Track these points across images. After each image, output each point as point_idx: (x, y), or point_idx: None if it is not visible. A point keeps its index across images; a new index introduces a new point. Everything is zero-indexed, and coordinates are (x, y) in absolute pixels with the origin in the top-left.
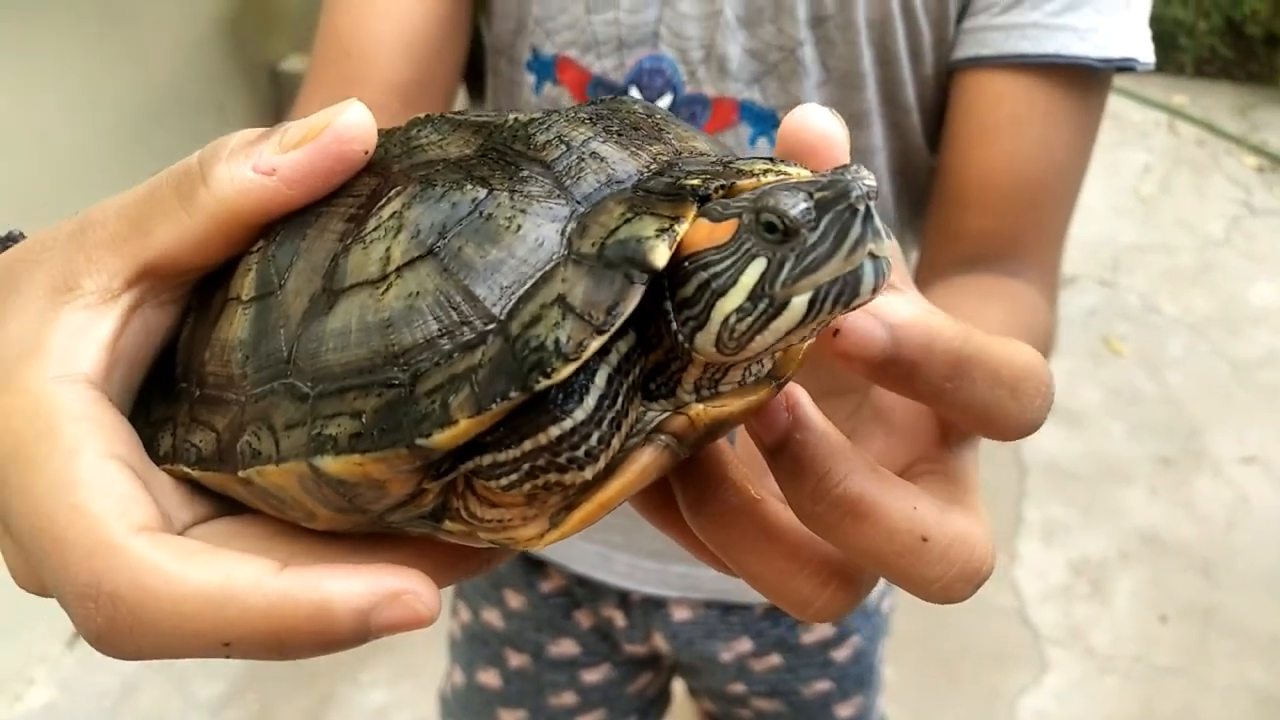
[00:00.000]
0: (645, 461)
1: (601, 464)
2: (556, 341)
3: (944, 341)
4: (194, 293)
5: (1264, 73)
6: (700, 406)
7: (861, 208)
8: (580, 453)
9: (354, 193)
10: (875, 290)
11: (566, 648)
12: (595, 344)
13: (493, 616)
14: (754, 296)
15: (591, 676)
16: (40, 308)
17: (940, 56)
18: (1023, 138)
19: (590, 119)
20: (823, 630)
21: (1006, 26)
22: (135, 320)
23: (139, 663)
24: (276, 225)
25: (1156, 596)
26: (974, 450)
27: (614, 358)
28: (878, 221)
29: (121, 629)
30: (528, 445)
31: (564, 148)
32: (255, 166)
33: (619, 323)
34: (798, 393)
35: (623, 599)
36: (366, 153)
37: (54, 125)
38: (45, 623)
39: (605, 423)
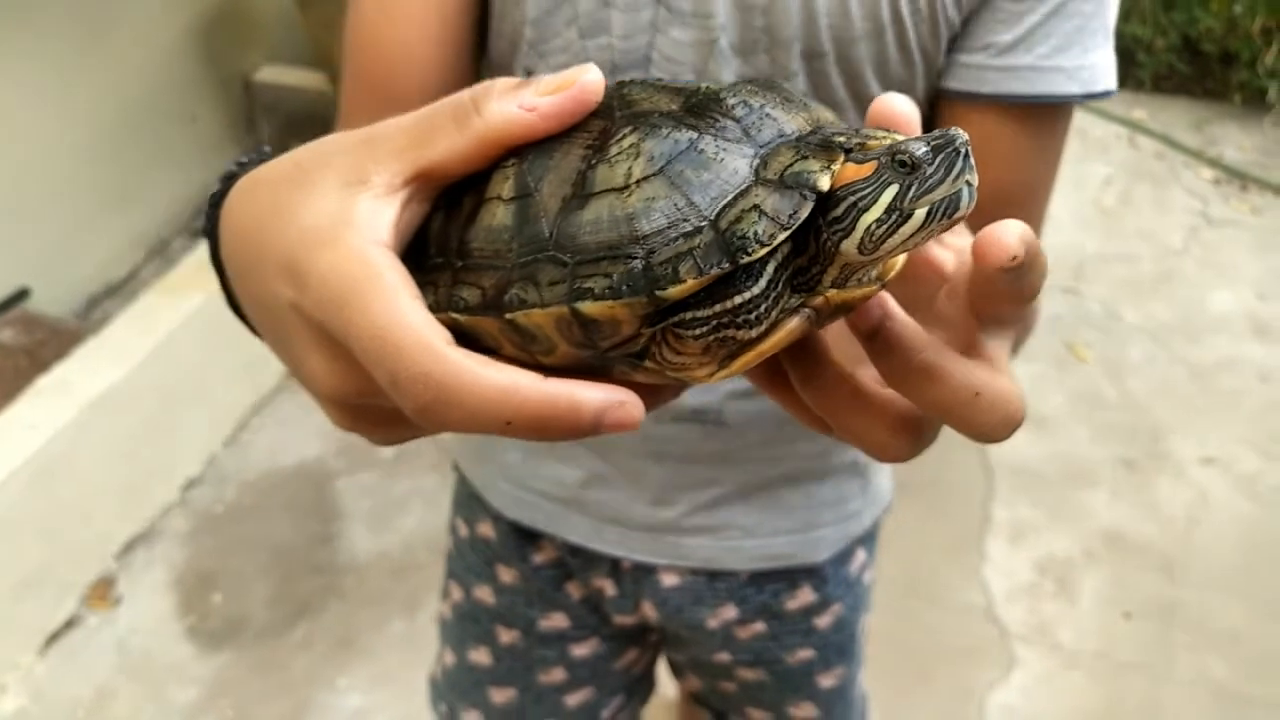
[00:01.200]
0: (792, 326)
1: (764, 327)
2: (755, 233)
3: (1032, 239)
4: (442, 195)
5: (1220, 89)
6: (834, 291)
7: (963, 150)
8: (751, 317)
9: (587, 130)
10: (970, 206)
11: (557, 621)
12: (782, 236)
13: (484, 593)
14: (889, 210)
15: (580, 651)
16: (338, 194)
17: (929, 85)
18: (1012, 168)
19: (762, 90)
20: (805, 597)
21: (1003, 68)
22: (407, 211)
23: (111, 670)
24: (524, 149)
25: (1120, 594)
26: (1006, 345)
27: (779, 255)
28: (972, 160)
29: (439, 405)
30: (717, 308)
31: (747, 109)
32: (520, 104)
33: (797, 224)
34: (887, 296)
35: (614, 567)
36: (597, 102)
37: (25, 136)
38: (17, 631)
39: (769, 299)
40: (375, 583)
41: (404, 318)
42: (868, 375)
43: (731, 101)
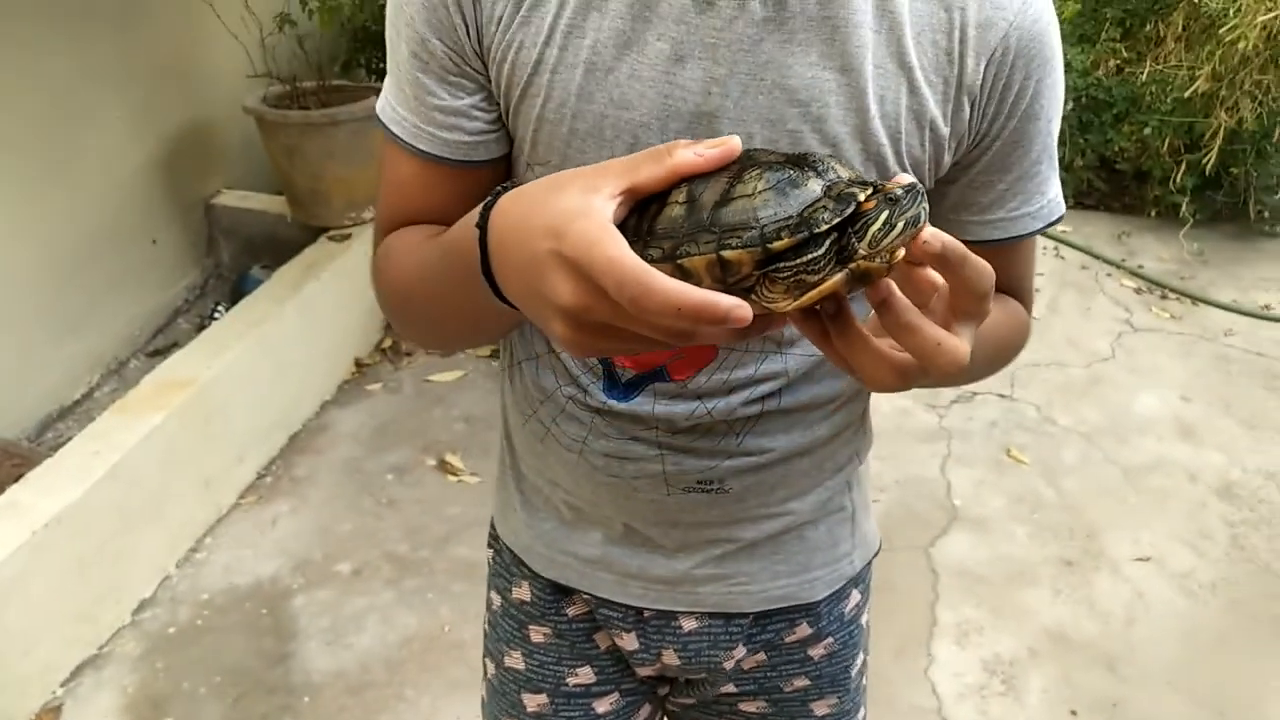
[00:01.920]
0: (837, 278)
1: (820, 277)
2: (822, 218)
3: (956, 247)
4: (633, 205)
5: (1136, 204)
6: (863, 261)
7: (920, 190)
8: (815, 269)
9: (729, 170)
10: (925, 221)
11: (584, 677)
12: (835, 220)
13: (515, 659)
14: (884, 224)
15: (602, 707)
16: (582, 195)
17: None
18: (1002, 281)
19: (828, 157)
20: (801, 631)
21: (982, 222)
22: (620, 209)
23: None
24: (692, 179)
25: (1066, 692)
26: (970, 329)
27: (831, 236)
28: (924, 193)
29: (644, 297)
30: (796, 261)
31: (821, 163)
32: (696, 152)
33: (844, 217)
34: (890, 283)
35: (638, 616)
36: (737, 155)
37: None
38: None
39: (824, 261)
40: (331, 701)
41: (626, 252)
42: (875, 332)
43: (813, 159)
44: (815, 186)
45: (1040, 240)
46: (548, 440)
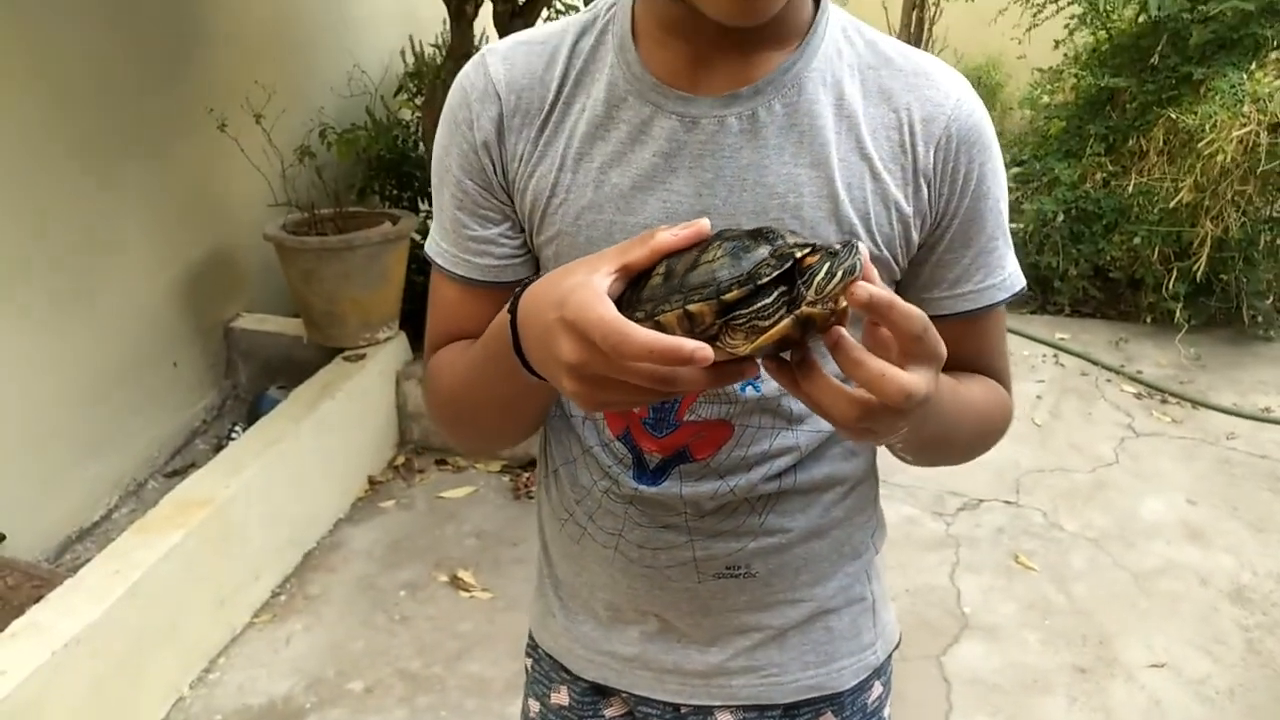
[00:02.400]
0: (786, 323)
1: (773, 322)
2: (766, 271)
3: (883, 294)
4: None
5: (1132, 311)
6: (808, 307)
7: (856, 245)
8: (766, 315)
9: (699, 246)
10: (859, 271)
11: None
12: (774, 274)
13: None
14: (827, 274)
15: None
16: (584, 274)
17: None
18: (977, 354)
19: (786, 228)
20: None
21: (952, 296)
22: (615, 284)
23: None
24: (670, 255)
25: None
26: (922, 369)
27: (780, 288)
28: (860, 247)
29: (625, 345)
30: (749, 310)
31: (773, 233)
32: (673, 234)
33: (785, 267)
34: (839, 329)
35: (675, 712)
36: (707, 235)
37: (7, 387)
38: None
39: (774, 308)
40: None
41: (611, 312)
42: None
43: (767, 230)
44: (764, 250)
45: (1040, 348)
46: (584, 540)
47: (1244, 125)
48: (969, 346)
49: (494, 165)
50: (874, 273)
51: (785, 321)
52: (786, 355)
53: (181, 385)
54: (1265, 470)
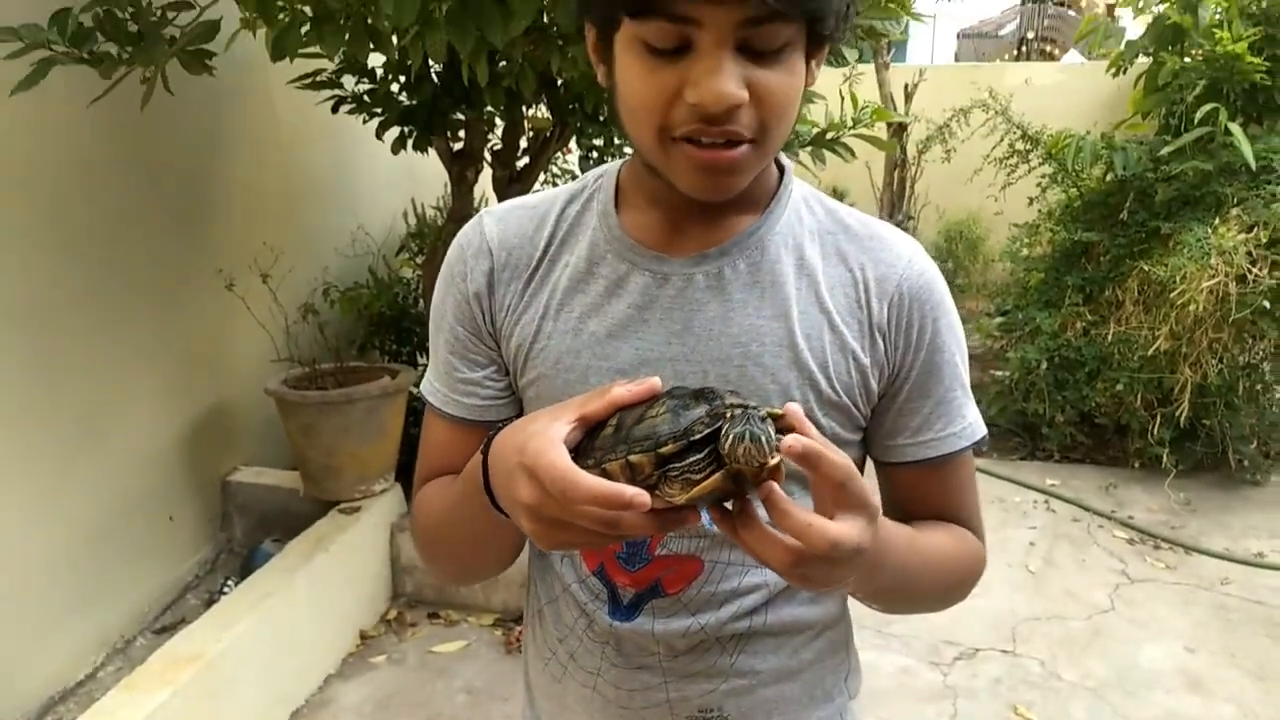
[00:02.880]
0: (718, 476)
1: (703, 476)
2: (696, 429)
3: (813, 446)
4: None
5: (1120, 456)
6: (736, 464)
7: (761, 410)
8: (699, 469)
9: (648, 402)
10: (771, 437)
11: None
12: (705, 431)
13: None
14: (735, 438)
15: None
16: (546, 421)
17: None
18: (943, 501)
19: (727, 390)
20: None
21: (916, 443)
22: (573, 433)
23: None
24: (623, 409)
25: None
26: (850, 519)
27: (710, 444)
28: (765, 413)
29: (573, 491)
30: (682, 464)
31: (714, 393)
32: (628, 390)
33: (713, 429)
34: (771, 483)
35: None
36: (658, 392)
37: (7, 537)
38: None
39: (705, 463)
40: None
41: (562, 459)
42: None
43: (710, 391)
44: (701, 409)
45: (1031, 494)
46: (565, 679)
47: (1212, 277)
48: (935, 493)
49: (484, 314)
50: (809, 427)
51: (715, 476)
52: (730, 504)
53: (176, 539)
54: (1262, 616)
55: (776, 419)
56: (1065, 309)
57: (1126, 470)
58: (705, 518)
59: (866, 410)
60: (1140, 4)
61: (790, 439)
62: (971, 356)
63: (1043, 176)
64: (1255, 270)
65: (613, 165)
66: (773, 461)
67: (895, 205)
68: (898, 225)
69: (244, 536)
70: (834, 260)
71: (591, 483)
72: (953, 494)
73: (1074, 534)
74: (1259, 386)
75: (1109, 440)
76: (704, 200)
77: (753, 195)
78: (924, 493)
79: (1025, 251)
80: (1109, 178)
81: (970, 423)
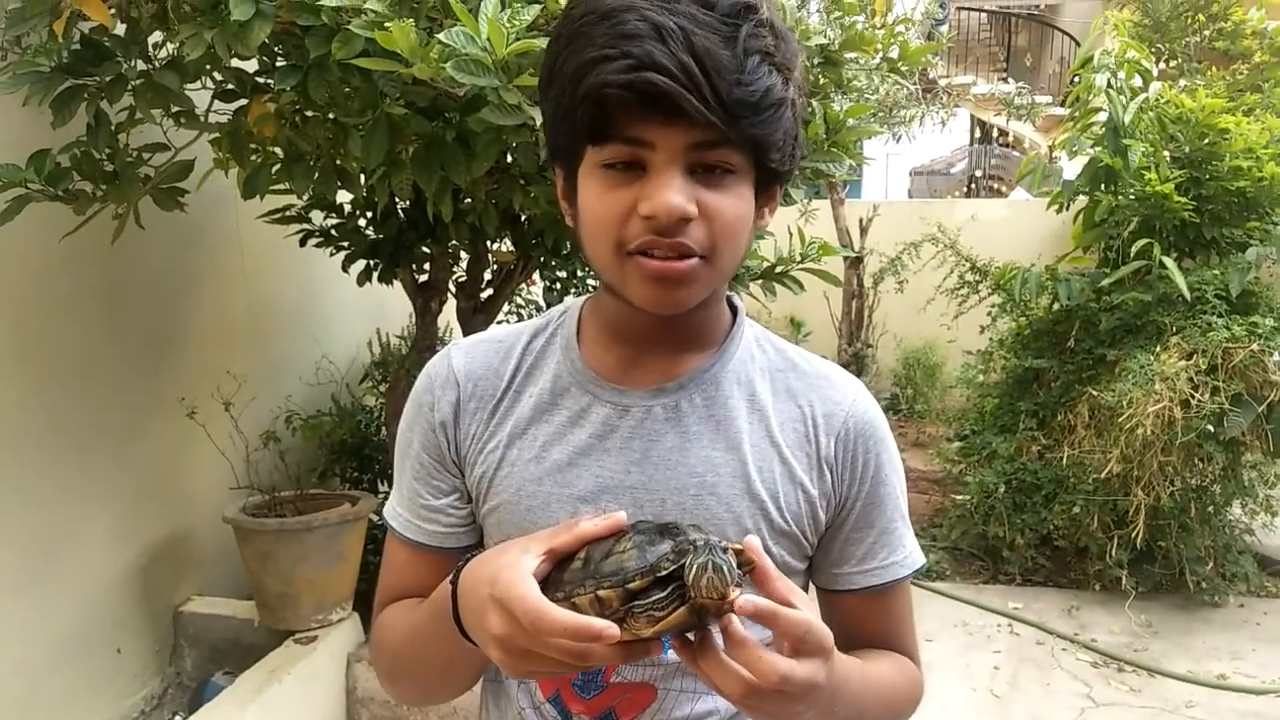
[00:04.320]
0: (681, 611)
1: (667, 611)
2: (662, 566)
3: (766, 605)
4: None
5: (1081, 579)
6: (699, 599)
7: (720, 543)
8: (663, 605)
9: (617, 535)
10: (731, 569)
11: None
12: (672, 568)
13: None
14: (701, 565)
15: None
16: (516, 554)
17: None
18: (884, 626)
19: (690, 525)
20: None
21: (861, 572)
22: (542, 565)
23: None
24: (591, 544)
25: None
26: (807, 661)
27: (674, 581)
28: (726, 546)
29: (544, 624)
30: (648, 600)
31: (678, 528)
32: (595, 524)
33: (678, 565)
34: (730, 616)
35: None
36: (624, 526)
37: None
38: None
39: (670, 599)
40: None
41: (533, 592)
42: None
43: (673, 527)
44: (666, 545)
45: (994, 618)
46: None
47: (1157, 401)
48: (877, 620)
49: (449, 443)
50: (766, 561)
51: (680, 611)
52: (691, 635)
53: (124, 672)
54: None
55: (737, 553)
56: (1020, 433)
57: (1088, 592)
58: (666, 646)
59: (814, 539)
60: (1074, 147)
61: (744, 600)
62: (932, 481)
63: (993, 306)
64: (1198, 395)
65: (576, 302)
66: (734, 595)
67: (854, 334)
68: (856, 353)
69: (195, 669)
70: (784, 397)
71: (563, 616)
72: (894, 620)
73: (1038, 657)
74: (1211, 508)
75: (1070, 562)
76: (657, 313)
77: (707, 334)
78: (866, 619)
79: (980, 378)
80: (1055, 307)
81: (910, 552)
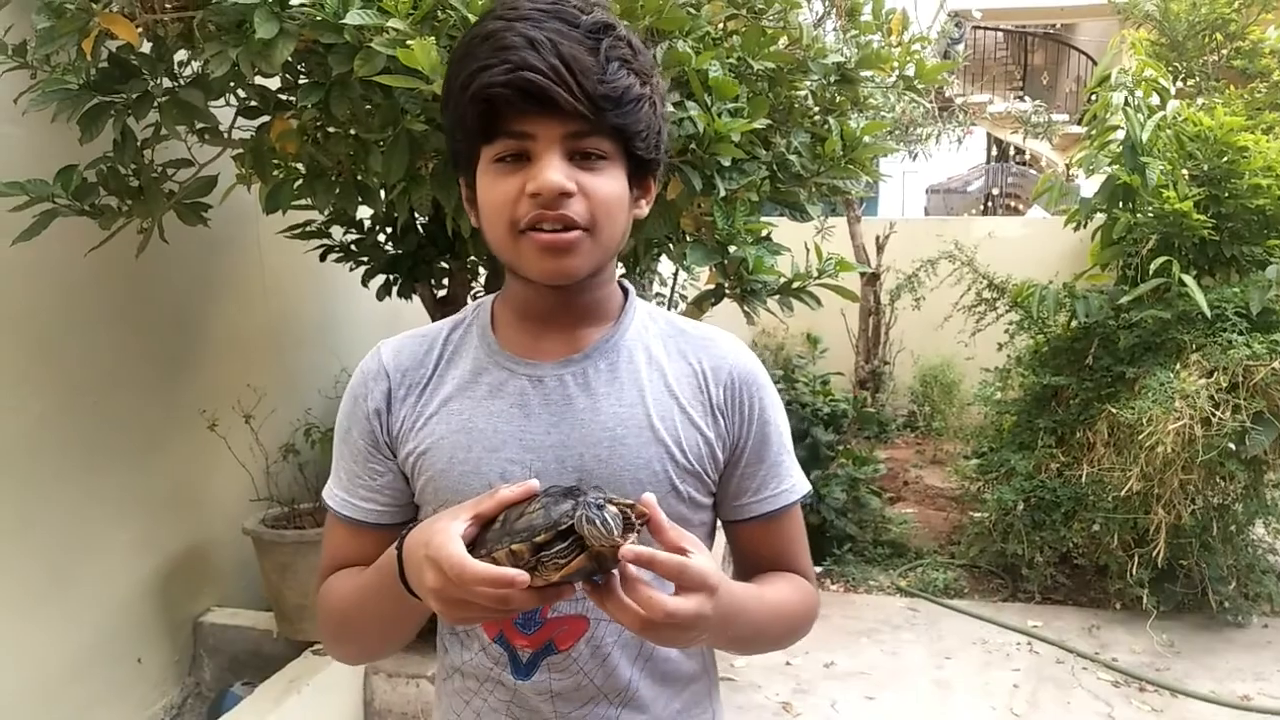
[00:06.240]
0: (582, 558)
1: (569, 559)
2: (564, 521)
3: (643, 551)
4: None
5: (1102, 598)
6: (595, 547)
7: (604, 500)
8: (565, 554)
9: (528, 501)
10: (617, 523)
11: None
12: (569, 522)
13: None
14: (588, 520)
15: None
16: (447, 520)
17: (706, 515)
18: (782, 548)
19: (590, 487)
20: None
21: (758, 500)
22: (470, 528)
23: None
24: (509, 506)
25: None
26: (694, 597)
27: (572, 534)
28: (608, 503)
29: (464, 574)
30: (550, 552)
31: (580, 490)
32: (512, 491)
33: (574, 520)
34: (624, 563)
35: None
36: (535, 493)
37: None
38: None
39: (570, 549)
40: None
41: (457, 550)
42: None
43: (576, 490)
44: (568, 505)
45: (1014, 636)
46: None
47: (1177, 419)
48: (773, 543)
49: (382, 428)
50: (659, 514)
51: (580, 559)
52: (600, 578)
53: (144, 682)
54: None
55: (632, 508)
56: (1039, 451)
57: (1109, 611)
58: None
59: (715, 477)
60: (1092, 165)
61: (625, 549)
62: (949, 498)
63: (1010, 323)
64: (1219, 413)
65: (487, 298)
66: (623, 543)
67: (871, 351)
68: (874, 370)
69: (214, 679)
70: (676, 357)
71: (480, 568)
72: (788, 541)
73: (1058, 676)
74: (1233, 527)
75: (1090, 581)
76: (552, 284)
77: (603, 310)
78: (763, 543)
79: (998, 395)
80: (1073, 324)
81: (796, 481)
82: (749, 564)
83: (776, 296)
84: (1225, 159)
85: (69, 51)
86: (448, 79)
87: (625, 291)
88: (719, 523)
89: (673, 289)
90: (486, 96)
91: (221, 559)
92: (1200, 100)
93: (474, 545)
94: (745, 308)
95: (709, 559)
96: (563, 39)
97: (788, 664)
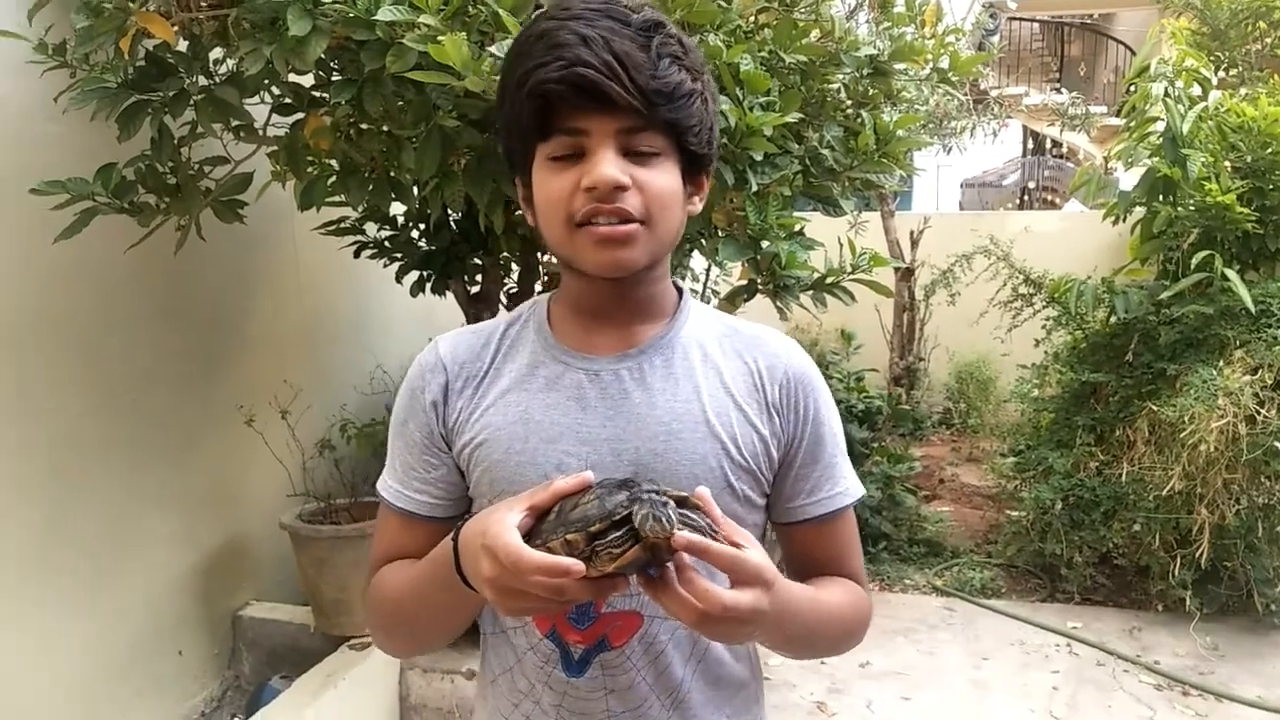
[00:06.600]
0: (636, 549)
1: (623, 549)
2: (619, 511)
3: (697, 541)
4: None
5: (1143, 599)
6: (649, 538)
7: (662, 498)
8: (619, 545)
9: (581, 492)
10: (671, 519)
11: None
12: (623, 514)
13: None
14: (644, 517)
15: None
16: (504, 511)
17: (759, 517)
18: (834, 551)
19: (646, 479)
20: None
21: (812, 503)
22: (525, 519)
23: None
24: (564, 497)
25: None
26: (749, 591)
27: (628, 525)
28: (667, 500)
29: (523, 563)
30: (604, 542)
31: (634, 483)
32: (565, 481)
33: (630, 510)
34: (681, 554)
35: None
36: (590, 484)
37: (18, 673)
38: None
39: (624, 539)
40: None
41: (514, 539)
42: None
43: (630, 482)
44: (623, 495)
45: (1053, 638)
46: None
47: (1221, 417)
48: (827, 546)
49: (438, 419)
50: (713, 507)
51: (634, 549)
52: (653, 571)
53: (185, 674)
54: None
55: (682, 500)
56: (1077, 449)
57: (1150, 613)
58: (634, 582)
59: (769, 475)
60: (1131, 158)
61: (678, 537)
62: (986, 496)
63: (1047, 319)
64: (1264, 411)
65: (543, 297)
66: (676, 536)
67: (905, 347)
68: (908, 366)
69: (252, 672)
70: (732, 355)
71: (536, 557)
72: (841, 545)
73: (1099, 678)
74: (1279, 528)
75: (1130, 582)
76: (608, 276)
77: (657, 307)
78: (816, 545)
79: (1035, 392)
80: (1112, 320)
81: (850, 483)
82: (802, 568)
83: (810, 292)
84: (1270, 150)
85: (107, 50)
86: (502, 79)
87: (679, 291)
88: (770, 528)
89: (705, 284)
90: (541, 93)
91: (259, 554)
92: (1243, 90)
93: (529, 536)
94: (778, 303)
95: (764, 554)
96: (615, 36)
97: (822, 663)
